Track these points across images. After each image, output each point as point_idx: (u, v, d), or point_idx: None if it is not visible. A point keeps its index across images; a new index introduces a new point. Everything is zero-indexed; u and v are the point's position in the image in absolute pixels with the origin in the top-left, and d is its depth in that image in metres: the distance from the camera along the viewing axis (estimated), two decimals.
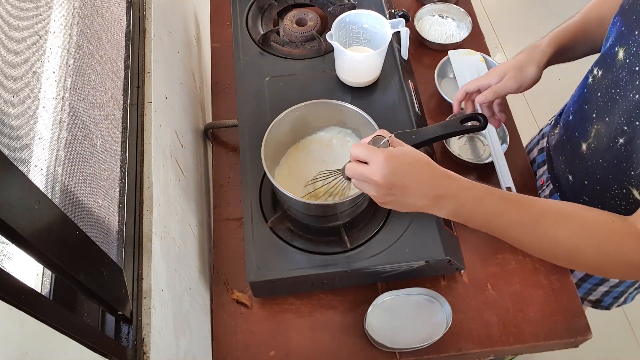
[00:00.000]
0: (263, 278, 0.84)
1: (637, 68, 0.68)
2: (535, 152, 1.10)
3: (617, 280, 0.97)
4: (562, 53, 0.89)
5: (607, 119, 0.75)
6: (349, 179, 0.74)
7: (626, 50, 0.70)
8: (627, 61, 0.70)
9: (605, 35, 0.79)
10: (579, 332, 0.89)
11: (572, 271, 1.01)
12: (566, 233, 0.67)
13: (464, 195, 0.68)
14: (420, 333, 0.85)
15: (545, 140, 1.05)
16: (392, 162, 0.66)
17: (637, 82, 0.68)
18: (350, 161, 0.71)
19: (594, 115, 0.79)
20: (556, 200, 0.68)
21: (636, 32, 0.68)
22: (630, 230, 0.65)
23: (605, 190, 0.81)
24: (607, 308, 1.06)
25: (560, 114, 1.00)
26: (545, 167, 1.02)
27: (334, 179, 0.79)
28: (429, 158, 0.69)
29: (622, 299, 1.04)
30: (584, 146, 0.83)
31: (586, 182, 0.85)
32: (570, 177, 0.90)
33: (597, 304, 1.06)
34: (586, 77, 0.83)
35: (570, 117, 0.88)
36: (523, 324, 0.89)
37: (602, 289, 1.01)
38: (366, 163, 0.68)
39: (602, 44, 0.79)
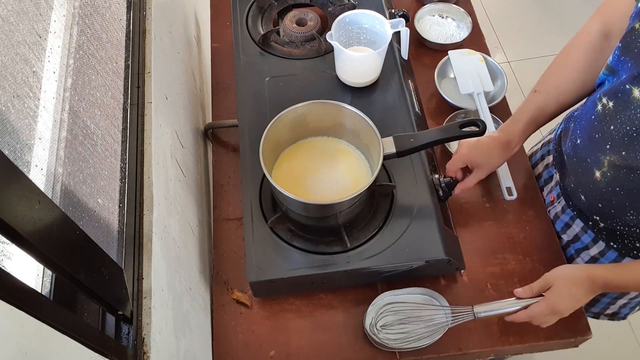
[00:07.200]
0: (263, 278, 0.84)
1: None
2: (540, 167, 1.07)
3: (636, 293, 0.96)
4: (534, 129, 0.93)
5: (624, 153, 0.74)
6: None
7: None
8: None
9: (579, 85, 0.87)
10: (579, 332, 0.89)
11: None
12: None
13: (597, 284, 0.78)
14: (420, 333, 0.85)
15: (550, 156, 1.03)
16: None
17: None
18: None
19: (607, 147, 0.77)
20: None
21: None
22: None
23: (620, 213, 0.81)
24: (624, 318, 1.05)
25: (561, 129, 0.99)
26: (553, 183, 1.00)
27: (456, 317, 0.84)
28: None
29: (637, 308, 1.03)
30: (597, 173, 0.81)
31: (600, 205, 0.84)
32: (582, 197, 0.88)
33: (613, 317, 1.05)
34: (594, 104, 0.80)
35: (579, 142, 0.85)
36: (523, 323, 0.89)
37: (621, 302, 0.99)
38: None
39: (605, 74, 0.79)
